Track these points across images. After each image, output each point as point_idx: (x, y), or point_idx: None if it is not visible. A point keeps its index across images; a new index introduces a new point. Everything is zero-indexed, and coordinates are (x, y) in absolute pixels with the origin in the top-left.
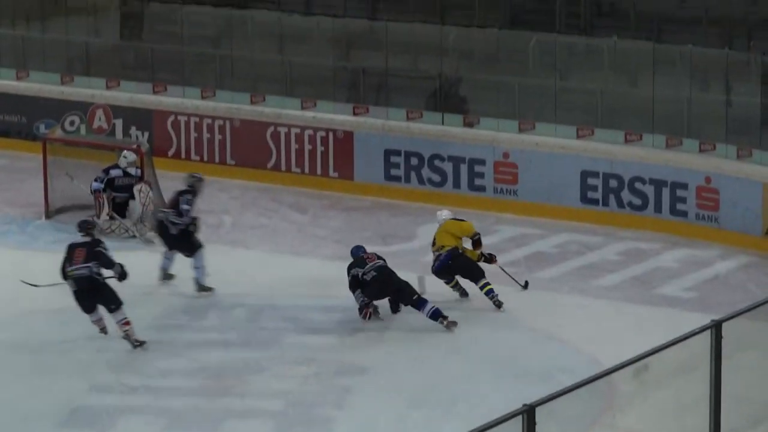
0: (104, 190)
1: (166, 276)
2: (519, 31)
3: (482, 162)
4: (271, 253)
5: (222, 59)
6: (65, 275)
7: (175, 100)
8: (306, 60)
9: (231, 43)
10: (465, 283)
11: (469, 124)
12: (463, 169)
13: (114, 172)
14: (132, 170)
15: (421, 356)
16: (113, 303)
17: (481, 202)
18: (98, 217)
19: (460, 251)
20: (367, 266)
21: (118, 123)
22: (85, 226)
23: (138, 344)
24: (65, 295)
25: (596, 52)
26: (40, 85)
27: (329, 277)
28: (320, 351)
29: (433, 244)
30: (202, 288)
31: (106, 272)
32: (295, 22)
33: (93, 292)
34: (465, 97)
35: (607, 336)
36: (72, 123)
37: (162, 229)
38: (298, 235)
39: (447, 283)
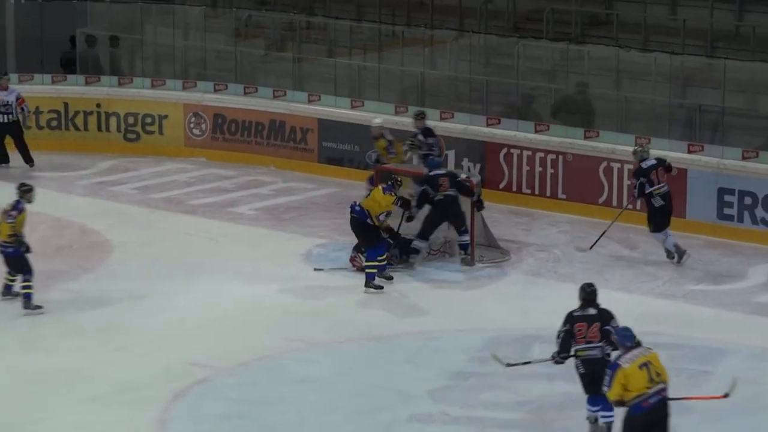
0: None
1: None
2: None
3: None
4: (600, 289)
5: (557, 93)
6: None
7: (508, 132)
8: (641, 96)
9: (567, 77)
10: None
11: None
12: None
13: None
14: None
15: (747, 399)
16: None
17: None
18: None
19: None
20: (439, 192)
21: (450, 154)
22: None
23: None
24: (386, 326)
25: None
26: (375, 115)
27: (657, 313)
28: None
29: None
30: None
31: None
32: (632, 58)
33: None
34: None
35: None
36: (404, 153)
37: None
38: (628, 271)
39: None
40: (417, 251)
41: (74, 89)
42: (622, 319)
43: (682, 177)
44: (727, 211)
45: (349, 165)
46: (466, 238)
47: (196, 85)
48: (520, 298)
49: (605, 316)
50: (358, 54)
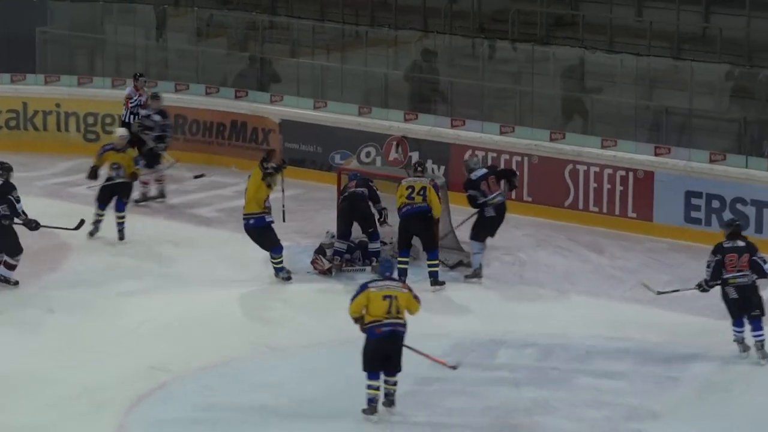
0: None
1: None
2: None
3: None
4: (565, 293)
5: (522, 95)
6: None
7: (473, 134)
8: (608, 98)
9: (532, 78)
10: None
11: None
12: (767, 213)
13: None
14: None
15: (715, 404)
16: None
17: None
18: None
19: None
20: (345, 192)
21: (415, 156)
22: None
23: None
24: (350, 329)
25: None
26: (337, 116)
27: (624, 318)
28: (611, 394)
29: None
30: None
31: None
32: (598, 59)
33: None
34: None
35: None
36: (368, 154)
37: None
38: (594, 275)
39: None
40: (377, 254)
41: (33, 89)
42: (588, 324)
43: (649, 180)
44: (694, 214)
45: (312, 166)
46: (376, 245)
47: (157, 84)
48: (485, 302)
49: (752, 248)
50: (321, 54)
